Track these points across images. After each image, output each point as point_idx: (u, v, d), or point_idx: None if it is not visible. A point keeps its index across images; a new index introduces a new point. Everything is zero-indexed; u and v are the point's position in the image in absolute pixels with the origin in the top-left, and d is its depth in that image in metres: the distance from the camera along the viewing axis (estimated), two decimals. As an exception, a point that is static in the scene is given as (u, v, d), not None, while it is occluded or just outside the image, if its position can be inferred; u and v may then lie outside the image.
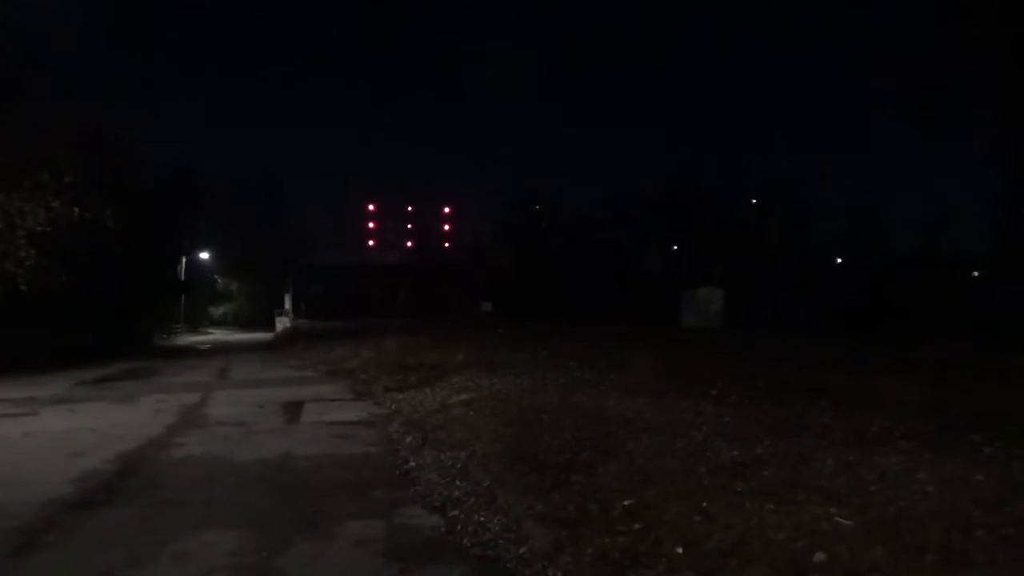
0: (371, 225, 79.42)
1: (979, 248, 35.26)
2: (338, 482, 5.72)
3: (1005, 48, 11.69)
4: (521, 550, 3.94)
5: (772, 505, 3.77)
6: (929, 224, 43.13)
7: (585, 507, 4.23)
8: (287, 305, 49.25)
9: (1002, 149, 14.37)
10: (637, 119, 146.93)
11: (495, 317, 46.44)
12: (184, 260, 39.97)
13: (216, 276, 53.33)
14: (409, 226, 77.11)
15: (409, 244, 72.15)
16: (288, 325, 39.95)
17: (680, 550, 3.44)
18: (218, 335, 40.67)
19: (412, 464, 6.23)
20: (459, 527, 4.47)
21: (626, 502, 4.15)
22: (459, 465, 5.88)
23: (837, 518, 3.51)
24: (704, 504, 3.93)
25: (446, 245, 70.26)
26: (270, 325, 41.86)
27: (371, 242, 77.14)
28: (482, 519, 4.52)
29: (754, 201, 48.51)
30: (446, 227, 76.68)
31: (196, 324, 46.02)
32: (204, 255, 47.04)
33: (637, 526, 3.82)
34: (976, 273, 36.92)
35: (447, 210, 78.40)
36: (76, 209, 15.41)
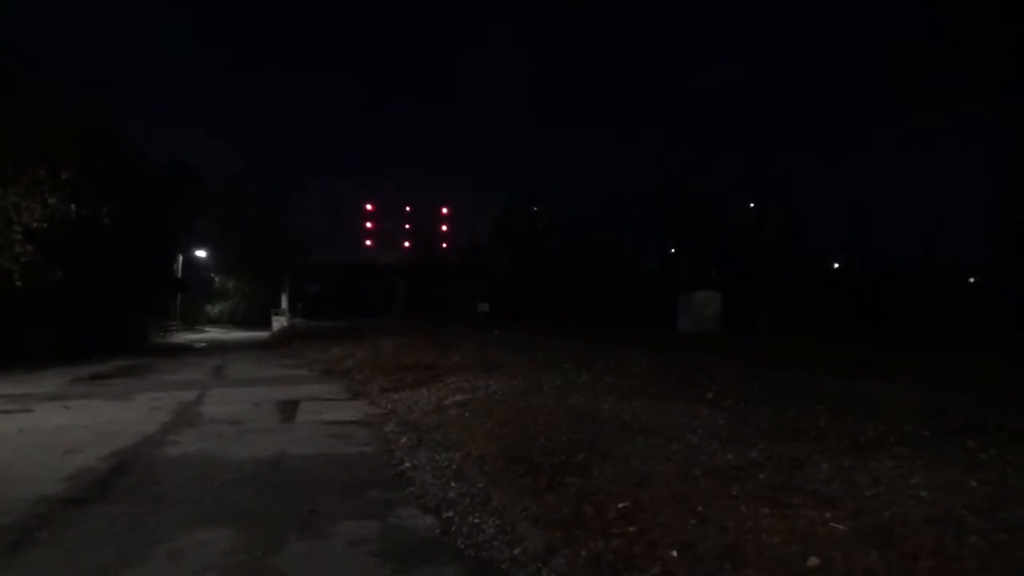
0: (369, 225, 79.24)
1: (976, 250, 35.27)
2: (333, 482, 5.71)
3: (1005, 48, 11.70)
4: (515, 552, 3.94)
5: (767, 509, 3.78)
6: (927, 226, 43.20)
7: (580, 509, 4.22)
8: (284, 304, 49.30)
9: (1002, 150, 14.37)
10: (637, 119, 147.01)
11: (492, 318, 46.55)
12: (181, 258, 39.86)
13: (213, 274, 53.22)
14: (407, 226, 76.91)
15: (407, 244, 71.96)
16: (285, 324, 39.95)
17: (675, 553, 3.44)
18: (214, 333, 40.59)
19: (407, 465, 6.23)
20: (453, 528, 4.47)
21: (621, 504, 4.15)
22: (454, 466, 5.88)
23: (831, 523, 3.51)
24: (699, 507, 3.93)
25: (444, 245, 70.15)
26: (267, 324, 41.84)
27: (369, 242, 76.94)
28: (476, 520, 4.52)
29: (752, 205, 48.59)
30: (444, 227, 76.43)
31: (192, 322, 45.97)
32: (201, 253, 46.92)
33: (632, 529, 3.81)
34: (972, 280, 37.02)
35: (445, 210, 78.20)
36: (73, 206, 15.33)
